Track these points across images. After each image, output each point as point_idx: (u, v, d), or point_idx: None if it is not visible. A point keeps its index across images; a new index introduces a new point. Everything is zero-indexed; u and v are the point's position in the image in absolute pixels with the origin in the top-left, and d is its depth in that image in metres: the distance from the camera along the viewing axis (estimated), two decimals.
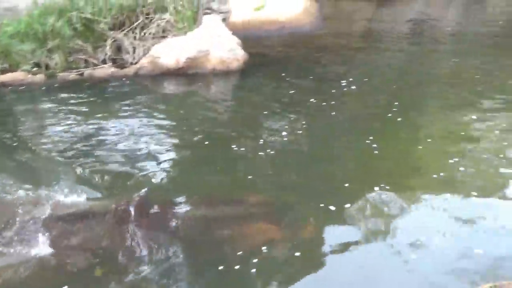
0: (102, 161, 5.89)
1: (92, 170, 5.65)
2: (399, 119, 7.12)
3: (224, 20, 9.48)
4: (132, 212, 4.57)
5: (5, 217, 4.65)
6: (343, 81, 8.33)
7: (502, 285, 3.22)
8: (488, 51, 10.53)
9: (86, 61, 8.68)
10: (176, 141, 6.44)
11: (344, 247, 4.57)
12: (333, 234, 4.73)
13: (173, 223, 4.75)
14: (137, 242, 4.45)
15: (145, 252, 4.38)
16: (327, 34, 11.20)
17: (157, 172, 5.69)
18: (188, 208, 4.95)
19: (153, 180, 5.50)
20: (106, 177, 5.54)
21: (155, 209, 4.79)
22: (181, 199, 5.10)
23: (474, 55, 10.11)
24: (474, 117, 7.23)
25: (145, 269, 4.24)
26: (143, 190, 4.77)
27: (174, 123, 6.92)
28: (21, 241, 4.43)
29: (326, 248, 4.54)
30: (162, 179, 5.54)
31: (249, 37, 10.04)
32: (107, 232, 4.52)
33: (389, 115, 7.22)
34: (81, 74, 8.41)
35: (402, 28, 12.22)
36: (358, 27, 12.20)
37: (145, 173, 5.64)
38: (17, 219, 4.60)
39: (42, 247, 4.38)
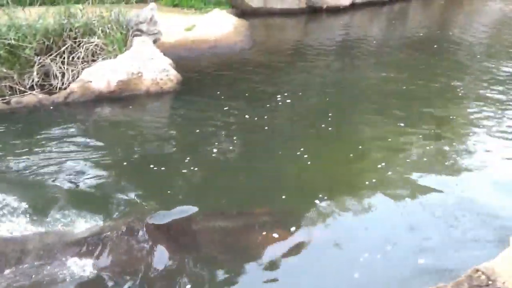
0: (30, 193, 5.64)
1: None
2: (330, 128, 7.40)
3: (155, 41, 9.38)
4: (149, 231, 4.72)
5: (18, 249, 4.55)
6: (278, 96, 8.52)
7: (439, 287, 3.34)
8: (410, 63, 11.06)
9: (12, 88, 8.34)
10: (108, 166, 6.23)
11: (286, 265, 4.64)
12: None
13: (191, 238, 4.87)
14: (158, 258, 4.53)
15: (169, 267, 4.46)
16: (258, 52, 11.37)
17: (93, 197, 5.54)
18: (202, 222, 5.07)
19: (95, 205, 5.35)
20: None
21: (171, 225, 4.91)
22: (192, 214, 5.17)
23: (397, 68, 10.60)
24: (401, 124, 7.65)
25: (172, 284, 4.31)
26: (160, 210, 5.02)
27: (106, 149, 6.71)
28: (45, 270, 4.35)
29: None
30: (100, 204, 5.40)
31: (181, 57, 10.05)
32: (128, 252, 4.58)
33: (323, 125, 7.49)
34: (7, 103, 8.06)
35: (330, 43, 12.61)
36: (288, 44, 12.46)
37: (78, 200, 5.47)
38: (33, 249, 4.54)
39: (68, 274, 4.34)
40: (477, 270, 3.44)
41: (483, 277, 3.37)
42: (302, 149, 6.65)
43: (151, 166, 6.17)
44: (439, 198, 5.77)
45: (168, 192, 5.65)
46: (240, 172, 6.16)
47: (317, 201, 5.51)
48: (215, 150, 6.60)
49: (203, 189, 5.78)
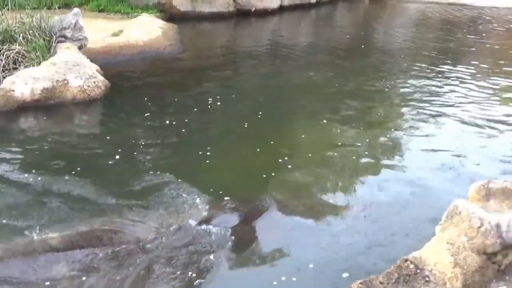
0: None
1: None
2: (249, 128, 7.51)
3: (80, 47, 9.12)
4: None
5: None
6: (209, 99, 8.47)
7: (371, 279, 3.43)
8: (338, 65, 11.38)
9: None
10: (33, 177, 5.95)
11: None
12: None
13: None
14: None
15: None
16: (188, 56, 11.31)
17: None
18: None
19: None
20: None
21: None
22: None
23: (326, 69, 10.87)
24: (324, 121, 7.90)
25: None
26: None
27: (25, 158, 6.45)
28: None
29: None
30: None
31: (109, 63, 9.81)
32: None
33: (245, 126, 7.56)
34: None
35: (260, 46, 12.73)
36: (218, 48, 12.46)
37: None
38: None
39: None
40: (406, 260, 3.57)
41: (411, 266, 3.50)
42: (208, 148, 6.68)
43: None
44: (347, 196, 5.82)
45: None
46: (123, 176, 6.05)
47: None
48: (117, 157, 6.43)
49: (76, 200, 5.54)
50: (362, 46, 13.15)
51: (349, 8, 18.95)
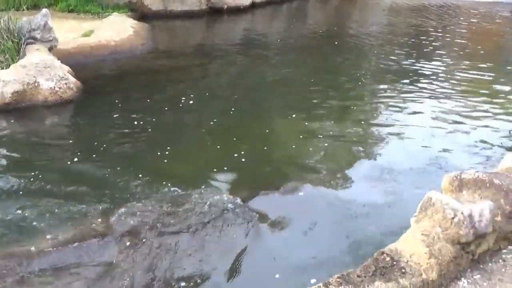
0: None
1: None
2: (218, 126, 7.47)
3: (50, 48, 8.97)
4: None
5: None
6: (183, 98, 8.40)
7: (349, 273, 3.46)
8: (312, 60, 11.42)
9: None
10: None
11: None
12: None
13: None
14: None
15: None
16: (160, 55, 11.21)
17: None
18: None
19: None
20: None
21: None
22: None
23: (300, 65, 10.90)
24: (293, 116, 7.92)
25: None
26: None
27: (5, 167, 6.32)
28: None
29: None
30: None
31: (80, 64, 9.66)
32: None
33: (211, 123, 7.51)
34: None
35: (233, 44, 12.72)
36: (191, 46, 12.39)
37: None
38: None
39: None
40: (383, 253, 3.61)
41: (388, 258, 3.54)
42: (168, 147, 6.64)
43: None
44: (309, 195, 5.80)
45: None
46: (76, 178, 5.94)
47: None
48: (76, 159, 6.33)
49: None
50: (336, 43, 13.23)
51: (321, 3, 19.05)
